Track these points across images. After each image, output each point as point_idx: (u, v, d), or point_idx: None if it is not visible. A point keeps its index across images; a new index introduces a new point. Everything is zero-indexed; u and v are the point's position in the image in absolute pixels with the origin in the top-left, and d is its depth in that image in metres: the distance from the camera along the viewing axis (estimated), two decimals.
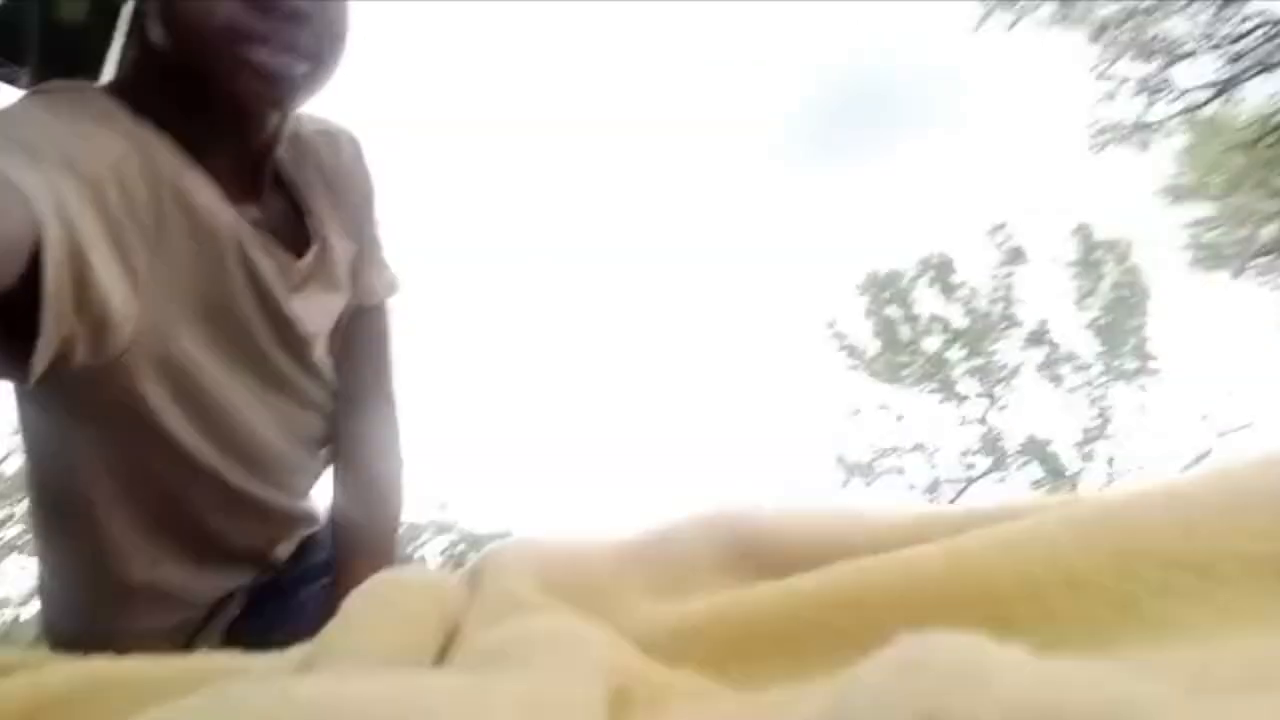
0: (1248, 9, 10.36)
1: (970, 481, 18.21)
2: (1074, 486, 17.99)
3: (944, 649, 0.21)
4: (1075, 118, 11.73)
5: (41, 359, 0.73)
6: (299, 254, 1.09)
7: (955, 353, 17.70)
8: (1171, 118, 11.16)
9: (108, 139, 0.86)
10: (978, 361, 17.59)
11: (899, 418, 18.00)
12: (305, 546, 1.31)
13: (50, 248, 0.69)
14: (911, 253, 17.18)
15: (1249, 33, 10.54)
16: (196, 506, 1.09)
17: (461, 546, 19.08)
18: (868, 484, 18.81)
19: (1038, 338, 17.29)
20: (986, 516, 0.35)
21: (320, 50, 0.95)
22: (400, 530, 1.30)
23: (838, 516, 0.38)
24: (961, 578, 0.29)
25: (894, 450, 18.29)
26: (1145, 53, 10.71)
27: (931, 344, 17.73)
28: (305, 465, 1.24)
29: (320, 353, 1.17)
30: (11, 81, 1.27)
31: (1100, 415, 17.44)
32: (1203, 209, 13.39)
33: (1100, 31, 10.80)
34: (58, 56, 1.17)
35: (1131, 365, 17.13)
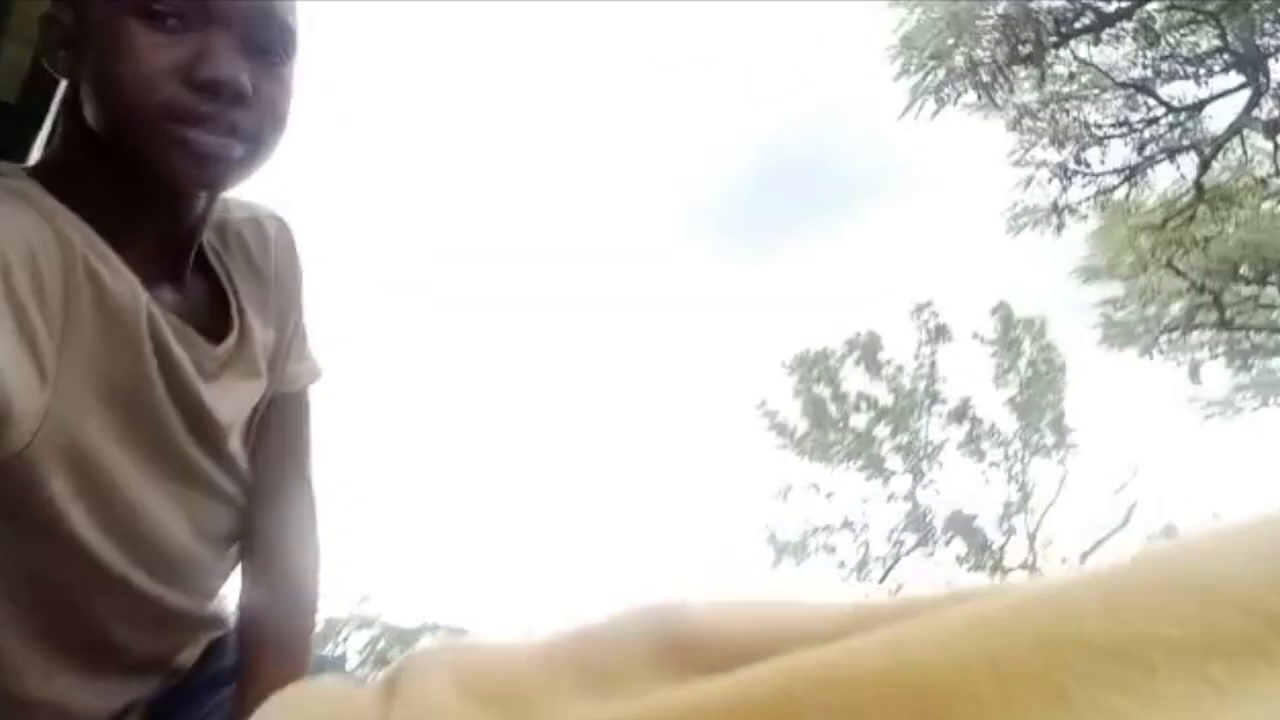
0: (1154, 99, 11.01)
1: (898, 559, 18.38)
2: (998, 560, 18.32)
3: None
4: (994, 200, 12.21)
5: None
6: (218, 340, 1.07)
7: (882, 430, 17.97)
8: (1083, 201, 11.70)
9: (20, 222, 0.84)
10: (903, 438, 17.90)
11: (828, 495, 18.16)
12: (211, 651, 1.24)
13: None
14: (838, 332, 17.60)
15: (1156, 120, 11.17)
16: (98, 614, 1.03)
17: (384, 642, 18.52)
18: (798, 563, 18.87)
19: (960, 414, 17.66)
20: (920, 605, 0.34)
21: (260, 133, 0.94)
22: (317, 628, 1.25)
23: (774, 608, 0.37)
24: (899, 672, 0.29)
25: (824, 528, 18.41)
26: (1060, 139, 11.26)
27: (859, 421, 17.95)
28: (215, 565, 1.18)
29: (235, 444, 1.12)
30: None
31: (1021, 489, 17.83)
32: (1113, 288, 13.94)
33: (1019, 119, 11.32)
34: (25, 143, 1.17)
35: (1049, 440, 17.60)
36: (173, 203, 0.98)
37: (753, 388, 18.63)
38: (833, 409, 18.07)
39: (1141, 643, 0.27)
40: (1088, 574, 0.33)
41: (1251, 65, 10.41)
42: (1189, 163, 11.28)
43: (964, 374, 17.52)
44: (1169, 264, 12.25)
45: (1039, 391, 17.20)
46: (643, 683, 0.36)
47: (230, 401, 1.08)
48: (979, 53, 11.14)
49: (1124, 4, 10.71)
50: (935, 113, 11.64)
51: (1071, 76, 11.33)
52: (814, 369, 17.89)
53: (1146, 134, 11.17)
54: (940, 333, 17.36)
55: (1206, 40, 10.62)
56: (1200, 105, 11.07)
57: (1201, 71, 10.89)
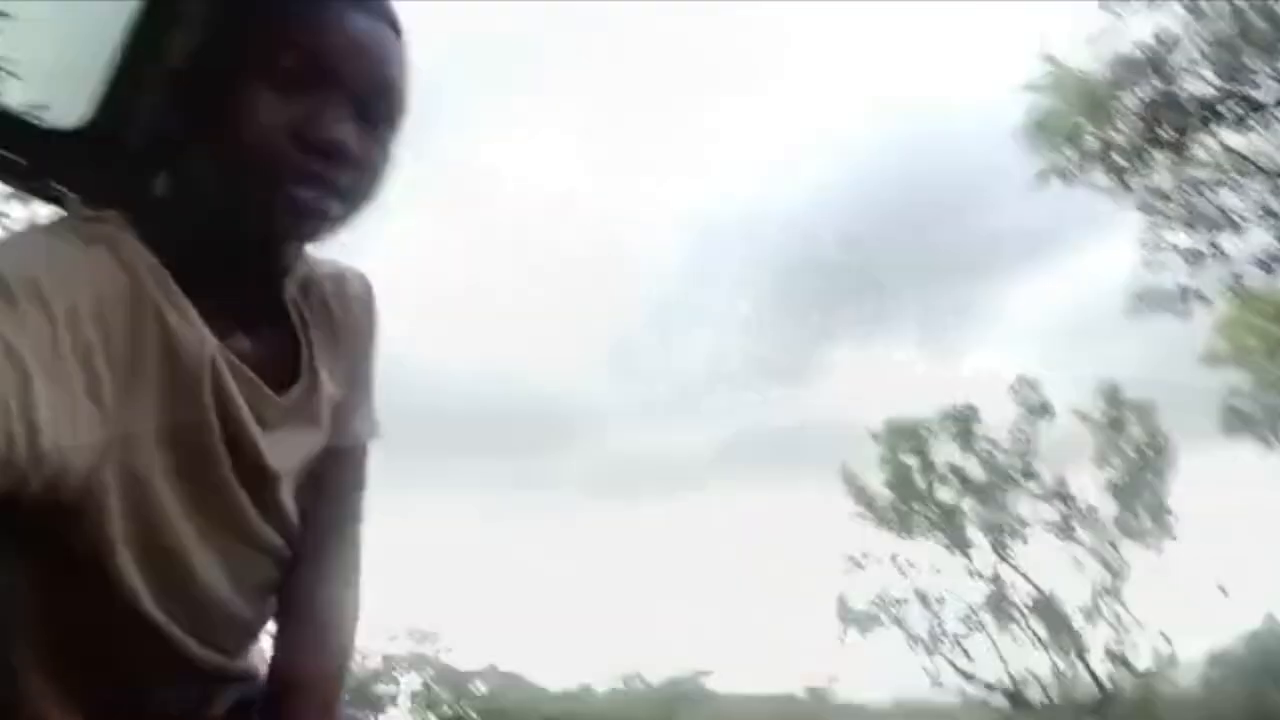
0: None
1: (966, 635, 17.69)
2: (1080, 646, 17.53)
3: None
4: (1112, 279, 11.74)
5: None
6: (286, 389, 1.09)
7: (969, 504, 17.50)
8: (1212, 287, 11.21)
9: (94, 270, 0.91)
10: (991, 514, 17.34)
11: (906, 567, 17.59)
12: (239, 706, 1.22)
13: None
14: (934, 402, 17.07)
15: None
16: (130, 664, 1.05)
17: (436, 684, 18.28)
18: (864, 634, 18.23)
19: (1054, 493, 17.06)
20: None
21: (356, 193, 0.99)
22: (374, 664, 1.30)
23: None
24: None
25: (898, 601, 17.82)
26: (1193, 223, 10.80)
27: (946, 494, 17.57)
28: (253, 619, 1.19)
29: (286, 495, 1.14)
30: (59, 204, 1.32)
31: (1112, 574, 17.06)
32: (1236, 376, 13.35)
33: (1150, 201, 10.91)
34: (103, 183, 1.21)
35: (1147, 525, 16.83)
36: (262, 253, 1.04)
37: (838, 451, 18.16)
38: (919, 480, 17.56)
39: None
40: None
41: None
42: None
43: (1063, 453, 16.88)
44: None
45: (1141, 475, 16.46)
46: None
47: (286, 451, 1.11)
48: (1114, 135, 10.76)
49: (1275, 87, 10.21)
50: (1062, 191, 11.30)
51: (1213, 163, 10.82)
52: (904, 438, 17.40)
53: None
54: (1042, 409, 16.80)
55: None
56: None
57: None
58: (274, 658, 1.23)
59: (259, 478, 1.08)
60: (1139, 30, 9.95)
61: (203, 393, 0.99)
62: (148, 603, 1.01)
